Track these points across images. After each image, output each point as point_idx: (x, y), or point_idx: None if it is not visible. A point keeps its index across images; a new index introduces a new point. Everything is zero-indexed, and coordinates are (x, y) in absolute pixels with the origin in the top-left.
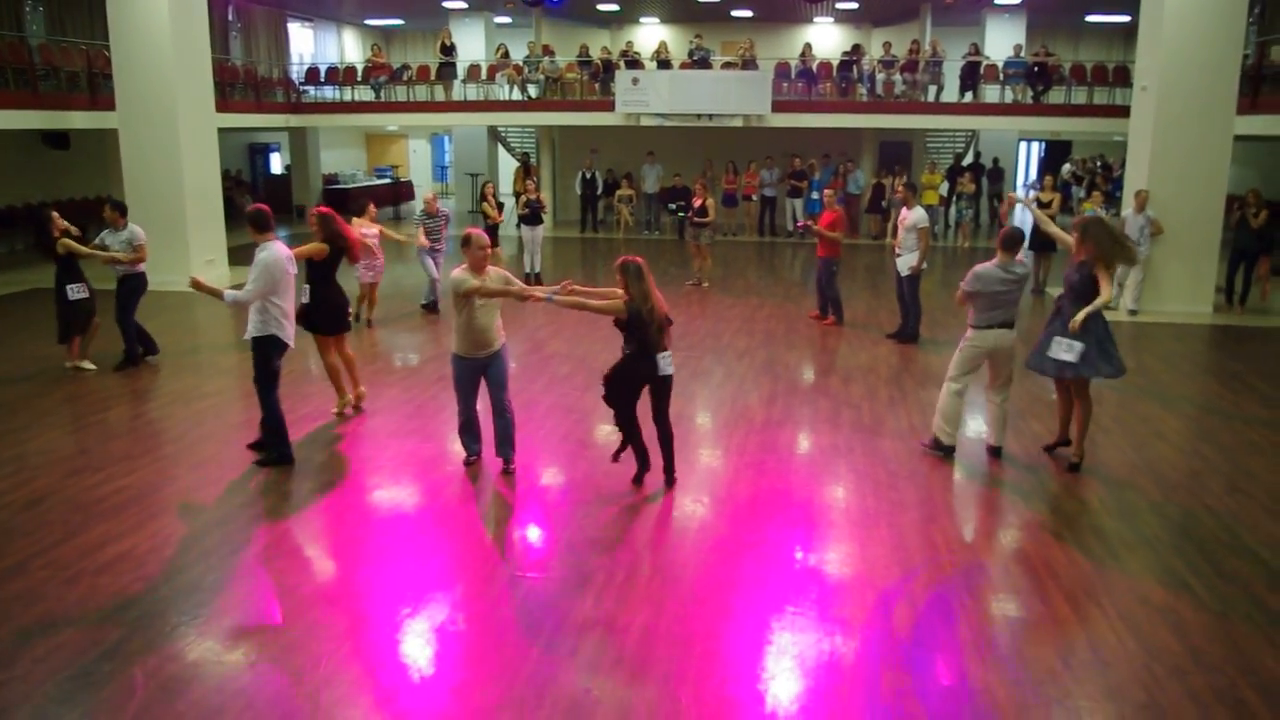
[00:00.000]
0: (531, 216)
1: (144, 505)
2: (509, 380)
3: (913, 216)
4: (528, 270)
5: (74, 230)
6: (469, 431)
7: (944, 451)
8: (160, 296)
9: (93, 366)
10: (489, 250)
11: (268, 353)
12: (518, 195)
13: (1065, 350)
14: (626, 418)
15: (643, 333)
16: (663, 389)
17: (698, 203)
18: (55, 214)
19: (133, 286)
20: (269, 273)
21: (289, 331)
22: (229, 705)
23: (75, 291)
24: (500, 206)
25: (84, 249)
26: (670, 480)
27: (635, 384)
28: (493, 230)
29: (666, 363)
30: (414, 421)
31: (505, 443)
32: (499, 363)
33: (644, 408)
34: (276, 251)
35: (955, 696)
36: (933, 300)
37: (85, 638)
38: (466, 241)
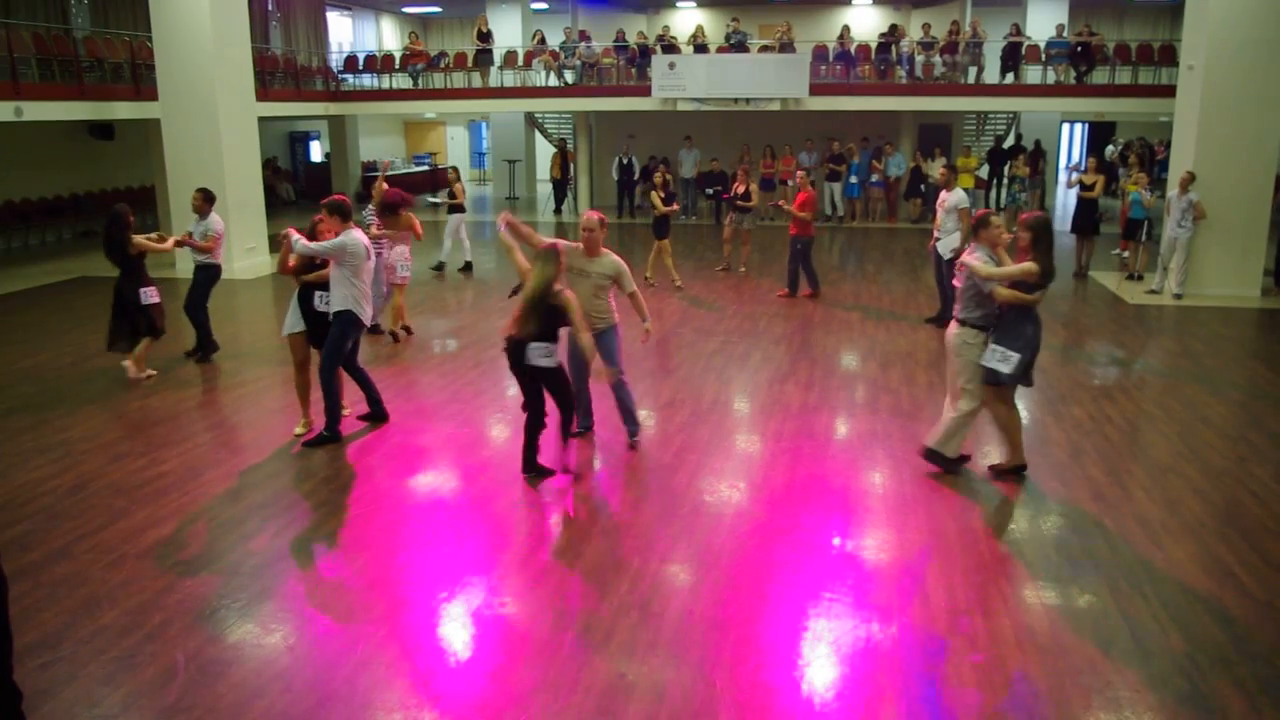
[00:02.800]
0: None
1: (185, 490)
2: (620, 358)
3: (952, 198)
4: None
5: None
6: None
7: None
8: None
9: (154, 372)
10: (594, 232)
11: (346, 327)
12: (555, 182)
13: (1000, 359)
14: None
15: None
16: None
17: (740, 189)
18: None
19: (208, 276)
20: (343, 248)
21: (367, 314)
22: (268, 688)
23: (149, 296)
24: (670, 197)
25: (154, 245)
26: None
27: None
28: (662, 221)
29: (535, 353)
30: (451, 406)
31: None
32: (607, 341)
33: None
34: (357, 236)
35: (993, 685)
36: None
37: (128, 620)
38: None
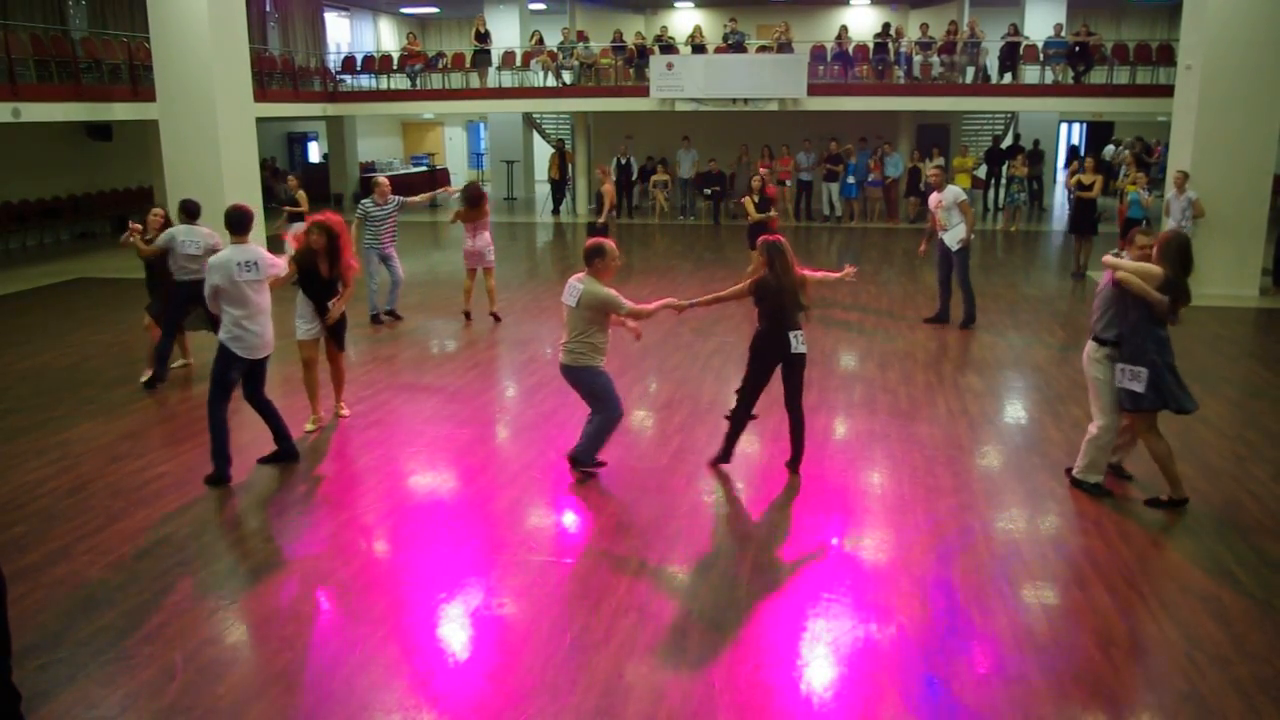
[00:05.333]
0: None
1: (184, 491)
2: None
3: (950, 195)
4: None
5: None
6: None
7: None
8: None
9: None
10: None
11: (220, 361)
12: (553, 182)
13: (1130, 378)
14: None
15: (776, 304)
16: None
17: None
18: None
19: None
20: (211, 273)
21: (247, 344)
22: (267, 689)
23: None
24: (763, 203)
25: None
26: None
27: (768, 363)
28: (759, 228)
29: (798, 340)
30: (450, 407)
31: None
32: None
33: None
34: (224, 255)
35: (991, 685)
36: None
37: (126, 621)
38: (600, 252)
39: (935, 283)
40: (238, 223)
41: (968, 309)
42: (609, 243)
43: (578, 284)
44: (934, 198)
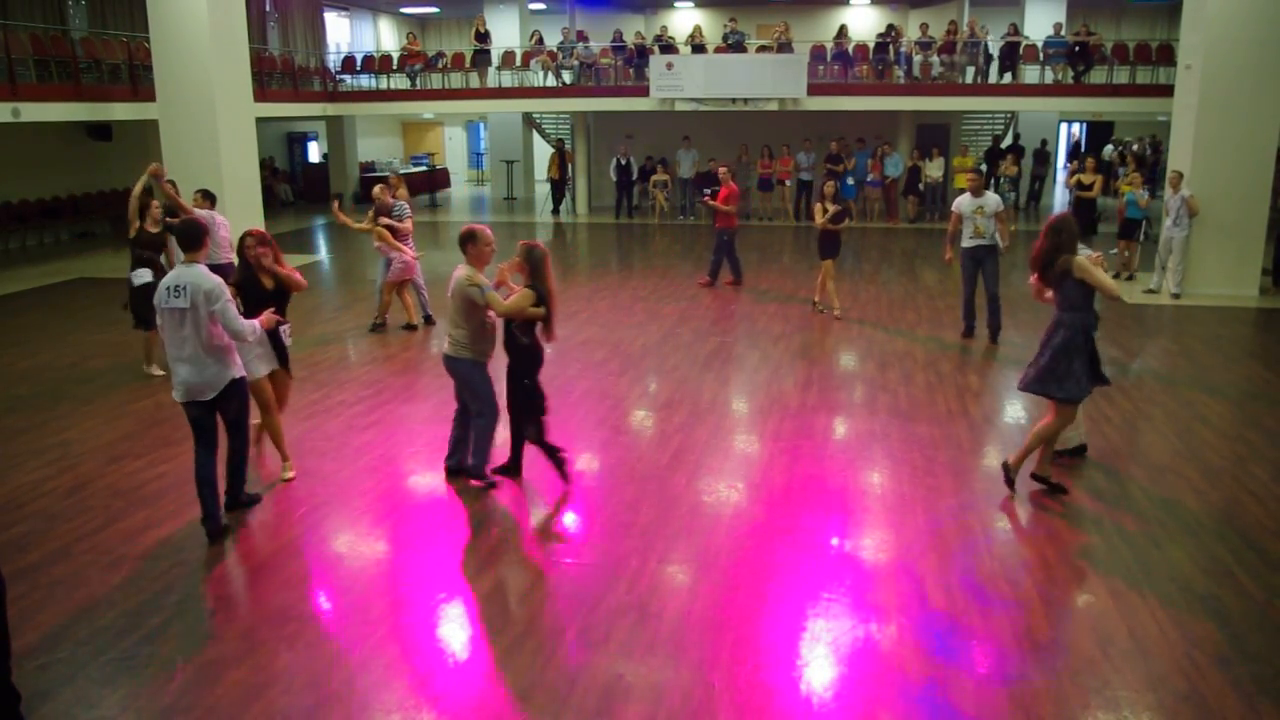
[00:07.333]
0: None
1: (183, 491)
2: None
3: (992, 202)
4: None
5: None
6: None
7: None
8: None
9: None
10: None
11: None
12: (553, 182)
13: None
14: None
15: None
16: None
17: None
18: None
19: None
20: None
21: (174, 384)
22: (267, 689)
23: (140, 277)
24: (841, 214)
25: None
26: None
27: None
28: (832, 239)
29: None
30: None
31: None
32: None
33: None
34: (168, 275)
35: (992, 685)
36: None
37: (126, 621)
38: (471, 238)
39: (983, 292)
40: (183, 237)
41: (995, 319)
42: (481, 228)
43: (454, 273)
44: (969, 201)
